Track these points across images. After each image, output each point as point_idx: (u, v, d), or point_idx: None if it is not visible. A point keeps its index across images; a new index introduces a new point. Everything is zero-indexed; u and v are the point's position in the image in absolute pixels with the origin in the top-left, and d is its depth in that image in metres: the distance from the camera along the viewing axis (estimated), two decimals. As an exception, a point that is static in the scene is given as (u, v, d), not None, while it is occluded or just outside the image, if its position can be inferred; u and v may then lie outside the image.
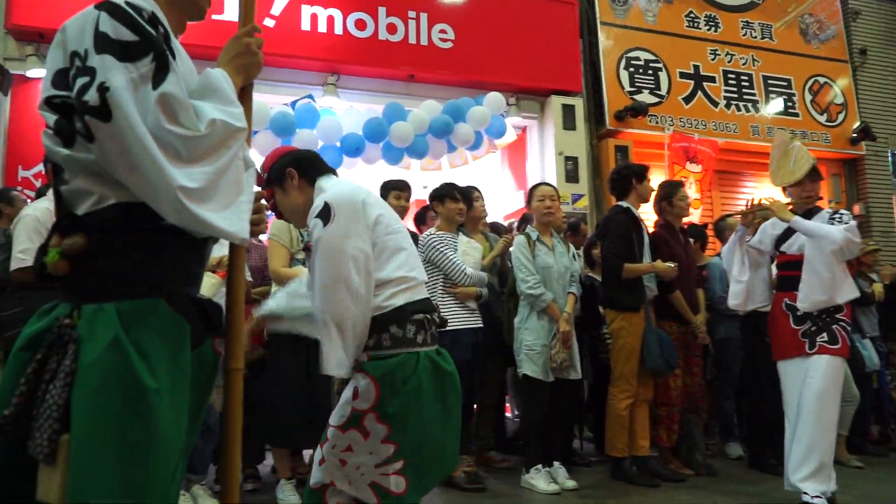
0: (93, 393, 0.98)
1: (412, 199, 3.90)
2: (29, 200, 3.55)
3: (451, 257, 3.45)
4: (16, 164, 4.46)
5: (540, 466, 3.39)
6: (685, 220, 4.14)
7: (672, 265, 3.60)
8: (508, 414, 4.70)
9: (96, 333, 1.01)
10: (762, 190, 6.89)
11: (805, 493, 2.89)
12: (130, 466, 0.98)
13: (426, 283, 1.82)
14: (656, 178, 5.34)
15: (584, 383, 3.99)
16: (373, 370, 1.61)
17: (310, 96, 4.88)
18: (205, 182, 1.04)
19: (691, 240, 4.16)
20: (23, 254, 2.64)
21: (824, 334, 3.03)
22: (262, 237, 3.42)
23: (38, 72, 4.37)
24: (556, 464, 3.45)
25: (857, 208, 7.01)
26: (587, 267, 4.26)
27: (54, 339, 1.03)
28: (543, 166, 5.81)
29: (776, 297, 3.26)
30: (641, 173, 3.79)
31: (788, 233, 3.21)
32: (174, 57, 1.06)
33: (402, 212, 3.70)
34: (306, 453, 3.40)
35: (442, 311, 3.40)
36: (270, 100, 4.76)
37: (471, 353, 3.39)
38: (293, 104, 4.74)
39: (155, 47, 1.03)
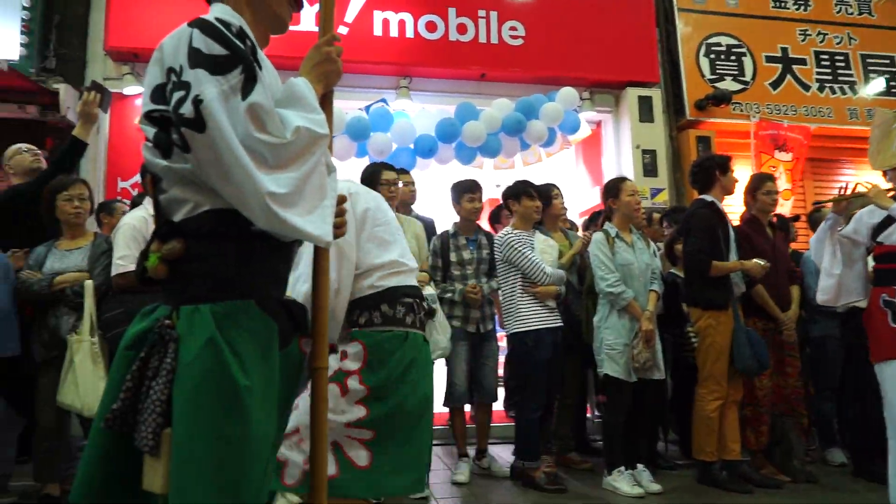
0: (191, 390, 1.04)
1: (486, 199, 3.90)
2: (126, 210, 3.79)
3: (530, 256, 3.42)
4: (115, 176, 4.80)
5: (623, 468, 3.31)
6: (776, 211, 3.93)
7: (762, 262, 3.42)
8: (588, 415, 4.61)
9: (194, 333, 1.06)
10: (861, 177, 6.42)
11: None
12: (226, 461, 1.02)
13: (414, 269, 1.86)
14: (742, 169, 5.12)
15: (667, 383, 3.86)
16: (364, 338, 1.69)
17: (383, 100, 4.97)
18: (291, 187, 1.07)
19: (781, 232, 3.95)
20: (122, 259, 2.81)
21: None
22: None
23: (133, 89, 4.70)
24: (640, 466, 3.36)
25: (973, 194, 6.41)
26: (669, 263, 4.11)
27: (156, 339, 1.09)
28: (620, 161, 5.65)
29: (873, 293, 2.95)
30: (724, 164, 3.62)
31: (888, 221, 2.93)
32: (261, 68, 1.11)
33: (476, 212, 3.70)
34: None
35: (522, 310, 3.41)
36: (345, 105, 4.88)
37: (551, 353, 3.37)
38: (367, 108, 4.84)
39: (243, 60, 1.08)
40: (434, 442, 3.84)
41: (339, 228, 1.31)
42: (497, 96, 5.16)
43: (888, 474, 2.83)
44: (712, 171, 3.60)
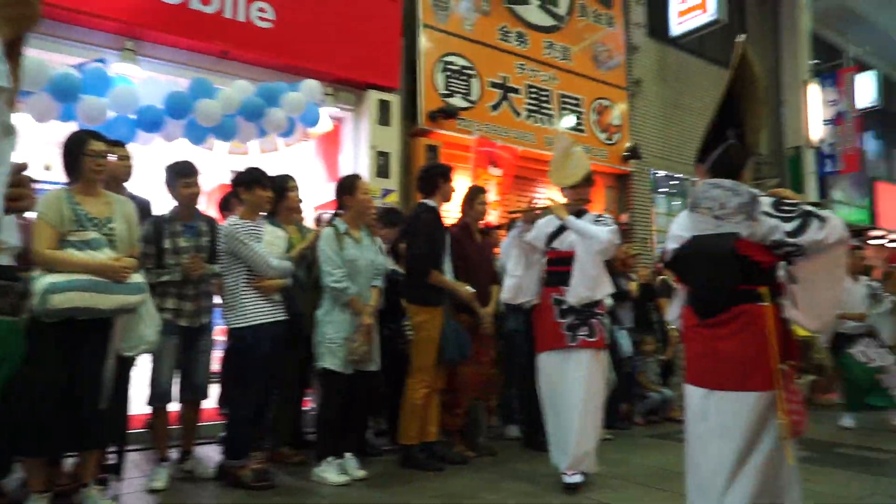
0: None
1: (217, 184, 3.73)
2: None
3: (256, 249, 3.35)
4: None
5: (331, 458, 3.45)
6: (485, 220, 4.49)
7: (472, 291, 3.88)
8: (306, 408, 4.71)
9: None
10: (552, 194, 7.70)
11: (565, 473, 3.31)
12: None
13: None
14: (461, 180, 5.74)
15: (381, 375, 4.15)
16: None
17: (102, 60, 4.39)
18: None
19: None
20: None
21: (585, 328, 3.36)
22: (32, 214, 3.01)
23: None
24: (348, 455, 3.53)
25: (623, 217, 8.14)
26: (392, 261, 4.42)
27: None
28: (357, 159, 5.87)
29: (544, 292, 3.50)
30: (447, 173, 3.97)
31: (560, 230, 3.45)
32: None
33: (193, 198, 3.49)
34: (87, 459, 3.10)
35: (244, 304, 3.33)
36: (53, 59, 4.20)
37: (271, 348, 3.35)
38: (80, 67, 4.23)
39: None
40: (131, 447, 3.56)
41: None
42: (238, 77, 4.94)
43: (548, 442, 3.51)
44: (436, 178, 3.93)
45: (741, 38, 2.39)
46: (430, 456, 3.81)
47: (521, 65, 7.23)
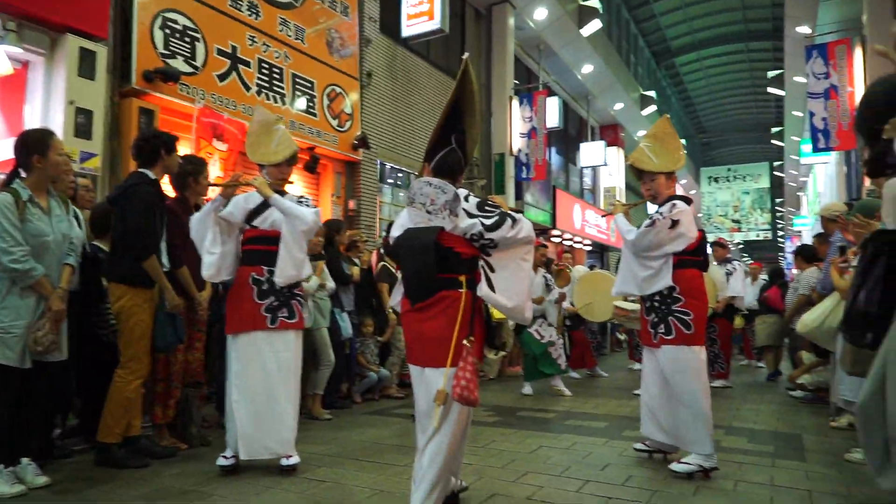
0: None
1: None
2: None
3: None
4: None
5: (1, 467, 2.90)
6: (206, 197, 4.20)
7: (181, 302, 3.59)
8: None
9: None
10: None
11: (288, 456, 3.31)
12: None
13: None
14: (182, 150, 5.26)
15: (70, 365, 3.60)
16: None
17: None
18: None
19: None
20: None
21: (285, 309, 3.29)
22: None
23: None
24: (25, 460, 3.00)
25: (352, 204, 8.40)
26: (92, 234, 3.87)
27: None
28: (48, 114, 4.96)
29: (242, 271, 3.33)
30: (171, 144, 3.64)
31: (261, 208, 3.34)
32: None
33: None
34: None
35: None
36: None
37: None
38: None
39: None
40: None
41: None
42: None
43: (228, 428, 3.34)
44: (159, 148, 3.58)
45: (466, 55, 2.70)
46: (133, 452, 3.45)
47: (253, 37, 6.91)
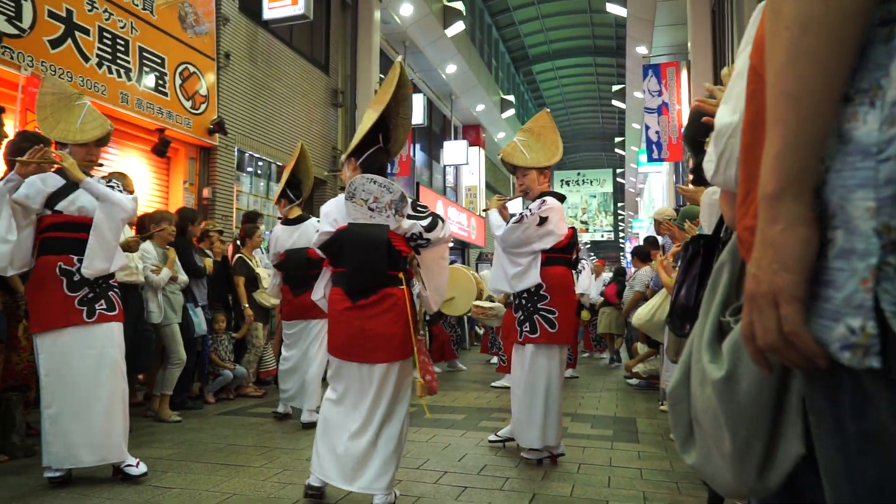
0: None
1: None
2: None
3: None
4: None
5: None
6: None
7: None
8: None
9: None
10: (126, 159, 6.92)
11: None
12: None
13: None
14: (6, 125, 4.65)
15: None
16: None
17: None
18: None
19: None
20: None
21: (102, 301, 3.07)
22: None
23: None
24: None
25: (206, 191, 7.92)
26: None
27: None
28: None
29: (45, 262, 3.02)
30: None
31: (65, 191, 3.05)
32: None
33: None
34: None
35: None
36: None
37: None
38: None
39: None
40: None
41: None
42: None
43: (45, 433, 3.00)
44: None
45: (399, 58, 2.79)
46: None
47: (93, 2, 6.27)
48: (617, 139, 27.72)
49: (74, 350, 2.98)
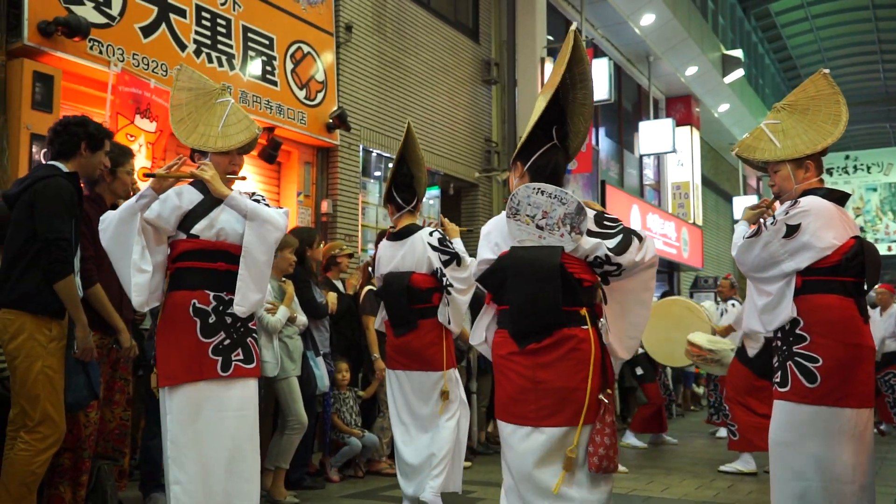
0: None
1: None
2: None
3: None
4: None
5: None
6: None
7: (93, 345, 3.62)
8: None
9: None
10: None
11: None
12: None
13: None
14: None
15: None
16: None
17: None
18: None
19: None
20: None
21: (239, 350, 3.30)
22: None
23: None
24: None
25: (325, 204, 8.45)
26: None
27: None
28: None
29: (177, 298, 3.30)
30: (99, 140, 3.71)
31: (203, 210, 3.34)
32: None
33: None
34: None
35: None
36: None
37: None
38: None
39: None
40: None
41: None
42: None
43: None
44: (80, 141, 3.64)
45: (574, 25, 2.82)
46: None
47: (191, -24, 7.03)
48: (909, 102, 25.47)
49: (207, 412, 3.23)
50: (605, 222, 2.74)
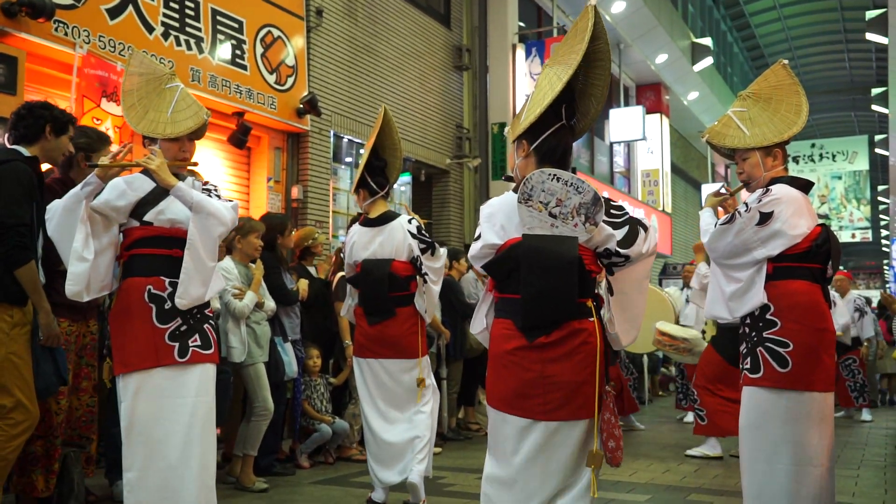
0: None
1: None
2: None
3: None
4: None
5: None
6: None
7: (58, 331, 3.58)
8: None
9: None
10: (205, 149, 7.52)
11: None
12: None
13: None
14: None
15: None
16: None
17: None
18: None
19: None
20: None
21: (196, 336, 3.27)
22: None
23: None
24: None
25: (296, 190, 8.41)
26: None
27: None
28: None
29: (132, 284, 3.27)
30: (63, 125, 3.66)
31: (155, 198, 3.30)
32: None
33: None
34: None
35: None
36: None
37: None
38: None
39: None
40: None
41: None
42: None
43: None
44: (44, 125, 3.58)
45: (593, 1, 2.67)
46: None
47: (158, -43, 6.92)
48: (875, 91, 25.79)
49: (164, 398, 3.21)
50: (612, 211, 2.69)
